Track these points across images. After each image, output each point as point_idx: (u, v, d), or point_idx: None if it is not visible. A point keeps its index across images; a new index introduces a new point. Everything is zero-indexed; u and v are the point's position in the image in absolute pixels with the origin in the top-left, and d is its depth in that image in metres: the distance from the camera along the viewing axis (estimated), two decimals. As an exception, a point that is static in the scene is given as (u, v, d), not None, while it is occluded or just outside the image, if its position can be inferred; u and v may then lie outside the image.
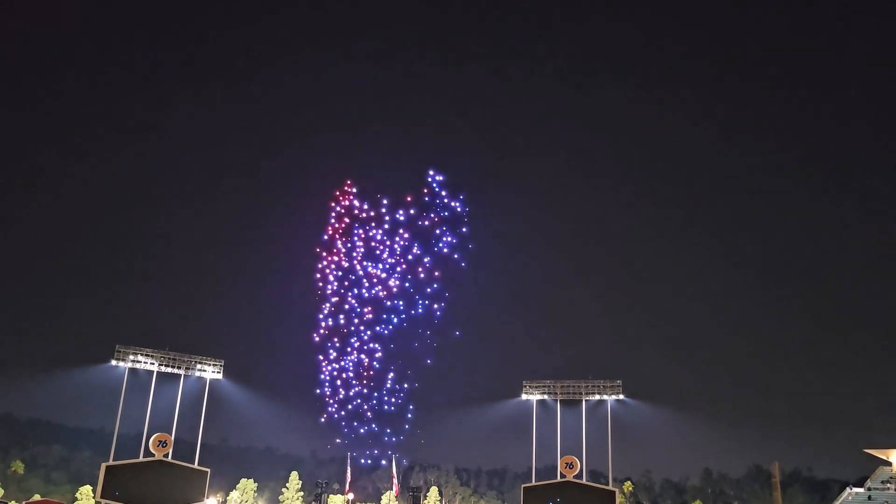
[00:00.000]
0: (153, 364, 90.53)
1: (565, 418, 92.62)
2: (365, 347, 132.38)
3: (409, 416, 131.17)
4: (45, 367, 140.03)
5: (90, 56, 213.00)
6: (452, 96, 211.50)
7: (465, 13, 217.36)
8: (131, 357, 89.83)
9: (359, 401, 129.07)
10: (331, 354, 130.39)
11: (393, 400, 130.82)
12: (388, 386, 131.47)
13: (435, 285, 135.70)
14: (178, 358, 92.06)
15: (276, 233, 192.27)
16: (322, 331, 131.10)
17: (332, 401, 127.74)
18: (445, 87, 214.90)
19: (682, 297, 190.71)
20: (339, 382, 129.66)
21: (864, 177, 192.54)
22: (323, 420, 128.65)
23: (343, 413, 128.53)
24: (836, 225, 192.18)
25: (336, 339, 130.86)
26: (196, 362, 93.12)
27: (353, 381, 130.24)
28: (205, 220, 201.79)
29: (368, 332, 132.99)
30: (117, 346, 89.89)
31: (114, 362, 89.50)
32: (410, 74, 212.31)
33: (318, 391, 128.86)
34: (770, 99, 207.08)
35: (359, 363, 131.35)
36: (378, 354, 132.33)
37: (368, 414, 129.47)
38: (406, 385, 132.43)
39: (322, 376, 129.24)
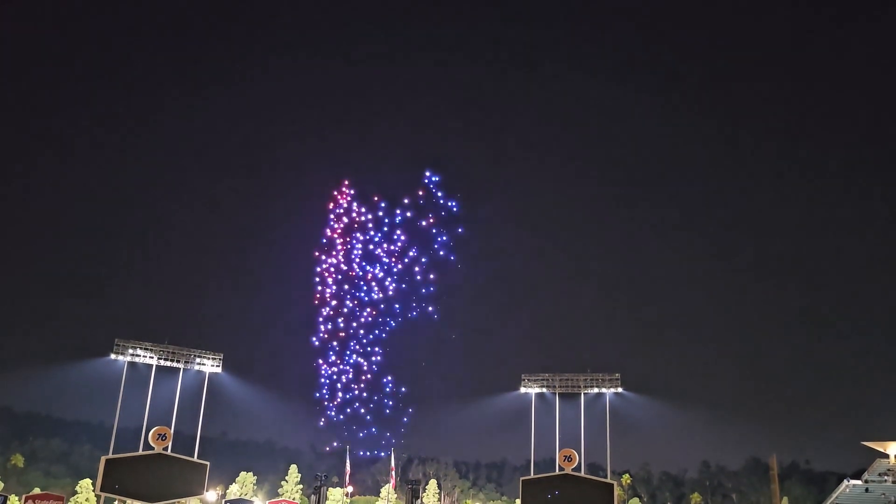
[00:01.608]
0: (152, 358, 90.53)
1: (564, 411, 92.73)
2: (364, 350, 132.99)
3: (406, 419, 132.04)
4: (44, 360, 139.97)
5: (90, 56, 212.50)
6: (450, 96, 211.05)
7: (464, 14, 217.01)
8: (130, 351, 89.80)
9: (357, 405, 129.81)
10: (330, 357, 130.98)
11: (391, 403, 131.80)
12: (388, 390, 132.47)
13: (432, 288, 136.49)
14: (177, 351, 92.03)
15: (274, 227, 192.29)
16: (322, 335, 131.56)
17: (330, 404, 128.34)
18: (443, 87, 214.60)
19: (681, 290, 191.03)
20: (338, 386, 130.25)
21: (865, 177, 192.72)
22: (322, 423, 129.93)
23: (342, 417, 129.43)
24: (835, 223, 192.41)
25: (335, 343, 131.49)
26: (195, 356, 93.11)
27: (353, 385, 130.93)
28: (204, 214, 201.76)
29: (368, 336, 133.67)
30: (116, 339, 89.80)
31: (113, 356, 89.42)
32: (408, 74, 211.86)
33: (317, 395, 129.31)
34: (770, 99, 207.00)
35: (357, 367, 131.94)
36: (377, 358, 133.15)
37: (367, 417, 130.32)
38: (403, 389, 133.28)
39: (322, 380, 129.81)
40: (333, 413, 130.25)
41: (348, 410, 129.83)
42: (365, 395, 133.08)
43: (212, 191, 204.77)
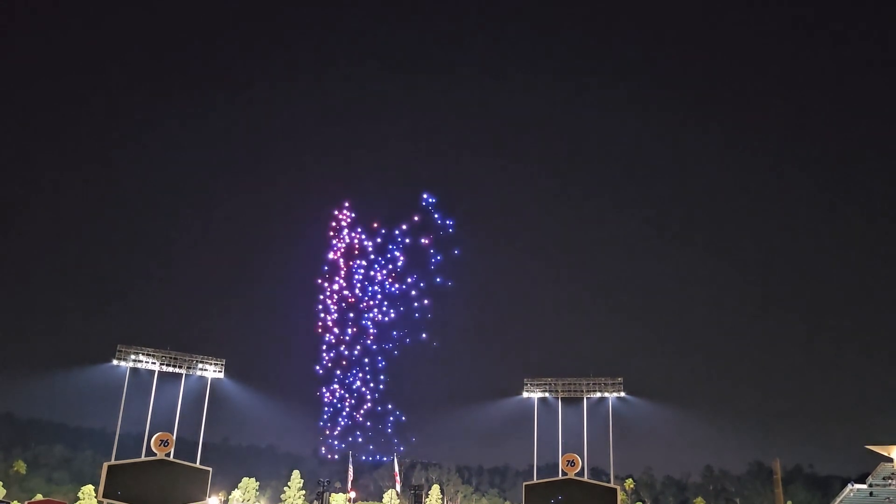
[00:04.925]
0: (154, 363, 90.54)
1: (566, 416, 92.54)
2: (367, 375, 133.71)
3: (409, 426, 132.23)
4: (46, 366, 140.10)
5: (92, 57, 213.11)
6: (446, 104, 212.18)
7: (461, 22, 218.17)
8: (133, 357, 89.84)
9: (358, 433, 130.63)
10: (333, 383, 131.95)
11: (392, 418, 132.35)
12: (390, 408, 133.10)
13: (426, 303, 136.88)
14: (179, 357, 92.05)
15: (277, 233, 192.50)
16: (326, 362, 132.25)
17: (331, 433, 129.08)
18: (439, 95, 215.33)
19: (683, 295, 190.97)
20: (344, 413, 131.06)
21: (864, 178, 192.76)
22: (324, 451, 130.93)
23: (343, 445, 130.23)
24: (836, 226, 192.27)
25: (338, 371, 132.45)
26: (197, 361, 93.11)
27: (354, 413, 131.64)
28: (206, 219, 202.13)
29: (375, 358, 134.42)
30: (119, 345, 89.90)
31: (115, 362, 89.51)
32: (405, 83, 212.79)
33: (320, 423, 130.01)
34: (770, 100, 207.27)
35: (360, 392, 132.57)
36: (381, 384, 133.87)
37: (371, 447, 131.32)
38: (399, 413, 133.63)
39: (325, 408, 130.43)
40: (336, 442, 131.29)
41: (350, 439, 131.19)
42: (368, 414, 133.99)
43: (215, 199, 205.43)
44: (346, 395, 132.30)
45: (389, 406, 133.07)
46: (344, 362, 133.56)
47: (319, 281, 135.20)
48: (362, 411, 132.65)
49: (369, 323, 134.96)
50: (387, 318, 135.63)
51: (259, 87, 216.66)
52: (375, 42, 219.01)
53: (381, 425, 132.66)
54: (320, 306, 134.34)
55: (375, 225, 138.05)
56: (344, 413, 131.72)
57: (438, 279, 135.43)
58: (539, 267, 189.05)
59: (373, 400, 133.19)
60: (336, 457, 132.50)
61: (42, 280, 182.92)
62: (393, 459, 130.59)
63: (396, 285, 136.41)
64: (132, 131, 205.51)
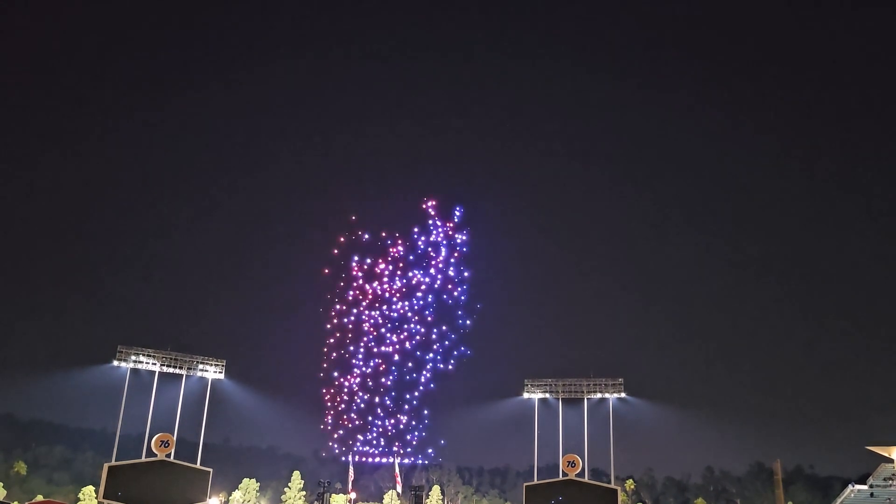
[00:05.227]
0: (155, 364, 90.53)
1: (567, 417, 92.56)
2: (367, 372, 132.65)
3: (417, 434, 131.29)
4: (46, 367, 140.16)
5: (93, 57, 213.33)
6: (454, 96, 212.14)
7: (468, 14, 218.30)
8: (133, 357, 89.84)
9: (360, 434, 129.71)
10: (334, 385, 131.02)
11: (392, 421, 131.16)
12: (390, 409, 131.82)
13: (431, 302, 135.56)
14: (179, 358, 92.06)
15: (278, 233, 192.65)
16: (326, 363, 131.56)
17: (332, 434, 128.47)
18: (447, 88, 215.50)
19: (683, 295, 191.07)
20: (345, 415, 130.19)
21: (865, 177, 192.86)
22: (324, 453, 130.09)
23: (344, 448, 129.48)
24: (836, 225, 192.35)
25: (339, 372, 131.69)
26: (198, 362, 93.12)
27: (355, 414, 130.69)
28: (206, 220, 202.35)
29: (370, 363, 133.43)
30: (119, 346, 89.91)
31: (115, 363, 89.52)
32: (411, 75, 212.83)
33: (321, 425, 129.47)
34: (771, 99, 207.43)
35: (361, 397, 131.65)
36: (383, 379, 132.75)
37: (370, 447, 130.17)
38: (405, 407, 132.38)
39: (326, 409, 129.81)
40: (337, 443, 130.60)
41: (350, 441, 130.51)
42: (369, 416, 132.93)
43: (216, 199, 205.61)
44: (347, 397, 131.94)
45: (391, 408, 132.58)
46: (345, 364, 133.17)
47: (320, 282, 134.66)
48: (363, 413, 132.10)
49: (370, 327, 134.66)
50: (388, 321, 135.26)
51: (259, 87, 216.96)
52: (376, 42, 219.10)
53: (382, 427, 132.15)
54: (321, 308, 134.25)
55: (377, 226, 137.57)
56: (345, 415, 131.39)
57: (440, 277, 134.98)
58: (539, 267, 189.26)
59: (373, 402, 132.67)
60: (338, 458, 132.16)
61: (42, 280, 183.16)
62: (393, 461, 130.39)
63: (398, 286, 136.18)
64: (133, 131, 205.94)
